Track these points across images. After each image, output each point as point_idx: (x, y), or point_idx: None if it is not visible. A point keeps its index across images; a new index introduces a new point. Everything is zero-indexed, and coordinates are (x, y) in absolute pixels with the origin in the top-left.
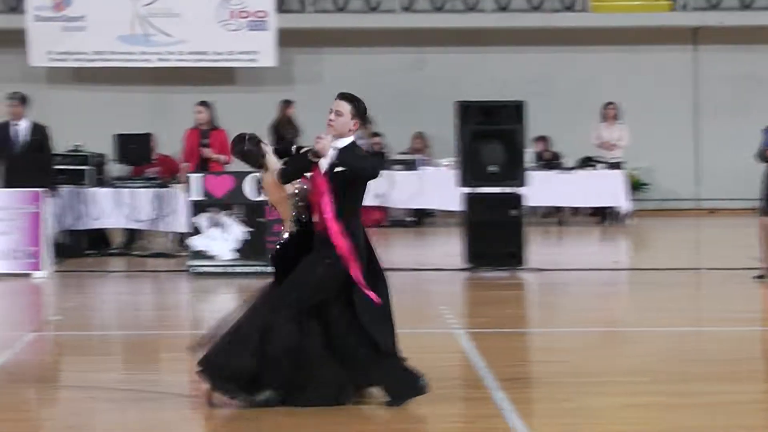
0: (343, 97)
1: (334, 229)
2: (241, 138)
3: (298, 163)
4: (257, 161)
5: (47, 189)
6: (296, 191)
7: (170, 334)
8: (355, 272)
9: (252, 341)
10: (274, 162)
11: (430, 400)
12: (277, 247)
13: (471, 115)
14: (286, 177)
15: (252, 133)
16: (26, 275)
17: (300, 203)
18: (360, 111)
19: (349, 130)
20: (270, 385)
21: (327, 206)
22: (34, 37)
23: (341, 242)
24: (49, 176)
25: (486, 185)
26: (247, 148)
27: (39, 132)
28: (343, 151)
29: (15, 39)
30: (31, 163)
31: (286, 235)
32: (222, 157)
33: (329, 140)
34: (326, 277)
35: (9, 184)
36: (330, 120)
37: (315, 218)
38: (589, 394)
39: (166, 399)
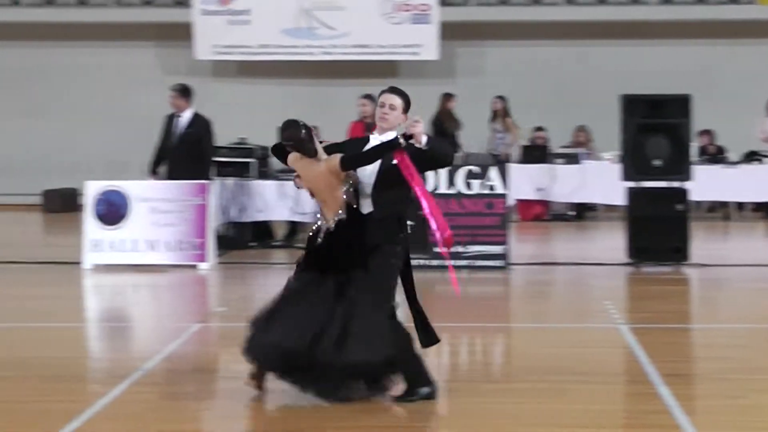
0: (394, 91)
1: (431, 205)
2: (295, 123)
3: (377, 150)
4: (310, 149)
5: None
6: (349, 178)
7: None
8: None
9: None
10: (322, 150)
11: (594, 395)
12: (328, 232)
13: (636, 108)
14: (357, 163)
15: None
16: (191, 267)
17: (351, 190)
18: (408, 105)
19: (399, 124)
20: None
21: (419, 187)
22: (200, 30)
23: (441, 220)
24: (204, 168)
25: (650, 179)
26: (304, 134)
27: (198, 124)
28: (429, 136)
29: (182, 33)
30: (187, 155)
31: (331, 224)
32: None
33: (423, 125)
34: (398, 267)
35: (169, 175)
36: (384, 114)
37: (367, 206)
38: (760, 391)
39: None
